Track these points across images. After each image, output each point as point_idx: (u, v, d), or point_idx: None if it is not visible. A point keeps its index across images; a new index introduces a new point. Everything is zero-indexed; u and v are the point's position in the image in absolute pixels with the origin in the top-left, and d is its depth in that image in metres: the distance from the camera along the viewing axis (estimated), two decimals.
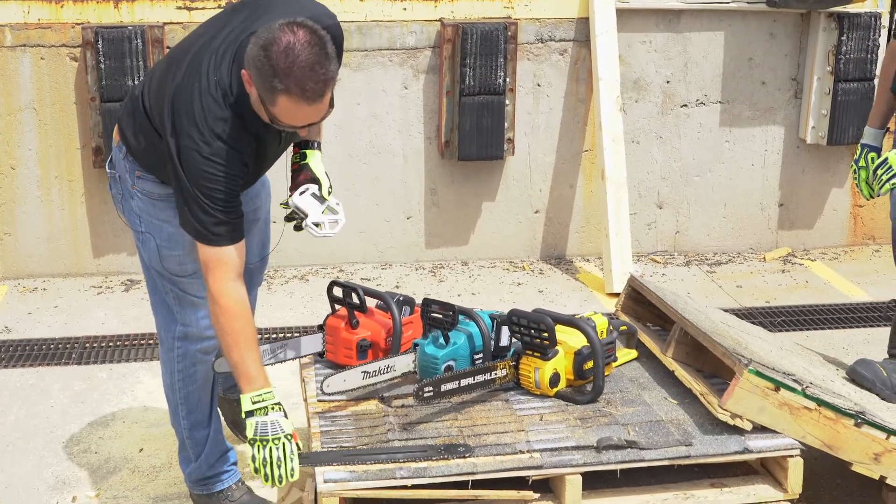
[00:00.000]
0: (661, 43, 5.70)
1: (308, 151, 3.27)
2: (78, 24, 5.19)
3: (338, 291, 3.53)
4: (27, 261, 5.44)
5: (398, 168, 5.65)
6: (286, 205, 3.23)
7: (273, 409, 2.87)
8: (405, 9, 5.46)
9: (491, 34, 5.40)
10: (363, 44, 5.46)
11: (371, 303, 3.52)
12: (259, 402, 2.88)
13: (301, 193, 3.18)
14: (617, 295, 5.26)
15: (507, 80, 5.49)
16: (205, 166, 2.85)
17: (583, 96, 5.70)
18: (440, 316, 3.28)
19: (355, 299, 3.45)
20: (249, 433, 2.86)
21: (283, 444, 2.84)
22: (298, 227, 3.23)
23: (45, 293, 5.31)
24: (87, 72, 5.15)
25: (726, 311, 4.45)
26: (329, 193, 3.23)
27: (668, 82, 5.76)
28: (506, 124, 5.55)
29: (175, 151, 2.88)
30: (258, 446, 2.84)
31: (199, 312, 3.18)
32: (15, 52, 5.18)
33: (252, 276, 3.56)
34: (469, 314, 3.36)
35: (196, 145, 2.85)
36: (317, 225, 3.16)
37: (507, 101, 5.53)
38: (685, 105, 5.81)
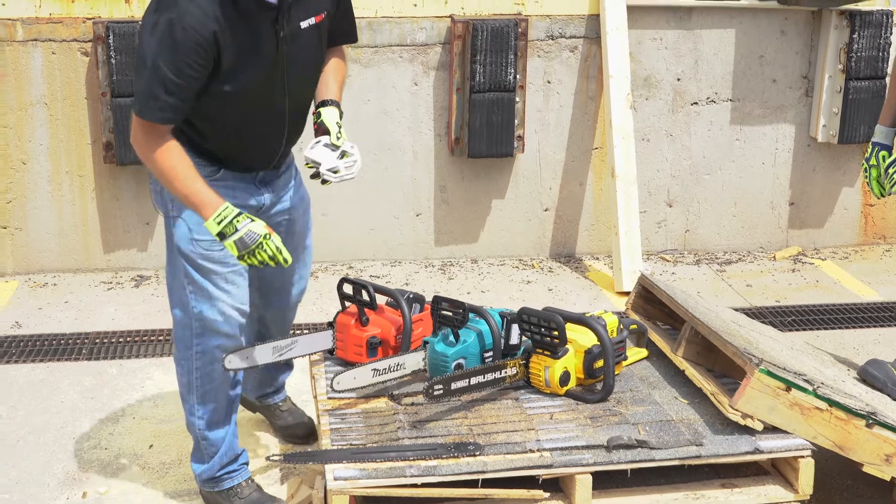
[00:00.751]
0: (672, 40, 5.69)
1: (322, 109, 3.30)
2: (89, 18, 5.19)
3: (348, 288, 3.53)
4: (38, 256, 5.45)
5: (408, 165, 5.65)
6: (309, 164, 3.25)
7: (238, 220, 2.99)
8: (416, 5, 5.45)
9: (501, 31, 5.39)
10: (373, 40, 5.45)
11: (381, 300, 3.52)
12: (222, 219, 2.98)
13: (313, 147, 3.23)
14: (627, 293, 5.26)
15: (518, 76, 5.48)
16: (160, 40, 2.89)
17: (593, 93, 5.69)
18: (450, 313, 3.28)
19: (365, 296, 3.46)
20: (235, 253, 3.00)
21: (265, 243, 2.99)
22: (324, 180, 3.25)
23: (56, 288, 5.32)
24: (98, 67, 5.15)
25: (736, 310, 4.45)
26: (339, 138, 3.25)
27: (678, 80, 5.75)
28: (516, 121, 5.54)
29: (144, 28, 2.96)
30: (249, 259, 3.00)
31: (216, 307, 3.22)
32: (26, 47, 5.19)
33: (280, 297, 3.59)
34: (479, 312, 3.36)
35: (163, 18, 2.89)
36: (334, 171, 3.23)
37: (518, 98, 5.52)
38: (696, 103, 5.80)
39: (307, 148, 3.23)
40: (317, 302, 5.17)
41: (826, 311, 5.20)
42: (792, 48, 5.78)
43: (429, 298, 3.54)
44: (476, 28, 5.35)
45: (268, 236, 2.99)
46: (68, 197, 5.40)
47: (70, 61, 5.23)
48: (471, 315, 3.35)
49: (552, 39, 5.60)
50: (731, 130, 5.85)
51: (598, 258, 5.88)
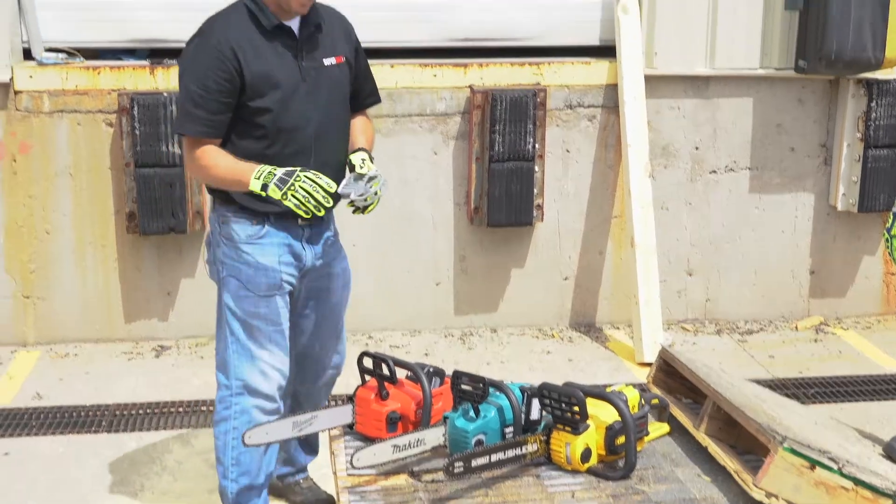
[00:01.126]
0: (690, 109, 5.72)
1: (351, 154, 3.48)
2: (114, 90, 5.27)
3: (368, 362, 3.52)
4: (60, 326, 5.48)
5: (428, 234, 5.67)
6: (350, 203, 3.38)
7: (274, 169, 3.19)
8: (435, 75, 5.52)
9: (520, 101, 5.44)
10: (393, 110, 5.51)
11: (401, 374, 3.51)
12: (260, 174, 3.18)
13: (342, 184, 3.37)
14: (648, 364, 5.23)
15: (537, 146, 5.52)
16: (192, 59, 3.26)
17: (612, 162, 5.71)
18: (470, 388, 3.26)
19: (385, 371, 3.45)
20: (277, 196, 3.16)
21: (301, 175, 3.18)
22: (360, 209, 3.40)
23: (77, 359, 5.33)
24: (122, 137, 5.22)
25: (759, 381, 4.41)
26: (362, 167, 3.40)
27: (697, 148, 5.77)
28: (535, 190, 5.57)
29: (182, 57, 3.34)
30: (290, 194, 3.15)
31: (257, 366, 3.40)
32: (52, 118, 5.27)
33: (306, 370, 3.69)
34: (499, 387, 3.34)
35: (194, 42, 3.30)
36: (364, 198, 3.37)
37: (537, 168, 5.55)
38: (714, 171, 5.81)
39: (338, 187, 3.35)
40: None
41: (850, 382, 5.15)
42: (810, 117, 5.81)
43: (449, 370, 3.53)
44: (495, 98, 5.41)
45: (303, 170, 3.20)
46: (91, 267, 5.44)
47: (95, 132, 5.31)
48: (491, 389, 3.33)
49: (570, 109, 5.64)
50: (750, 199, 5.86)
51: (618, 327, 5.85)
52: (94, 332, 5.51)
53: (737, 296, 5.97)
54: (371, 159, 3.45)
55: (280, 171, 3.19)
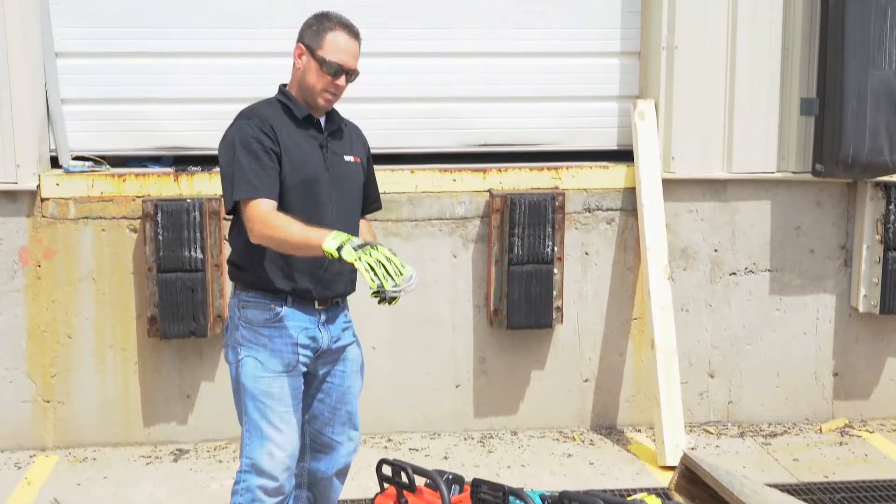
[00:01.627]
0: (708, 212, 5.76)
1: None
2: (139, 196, 5.36)
3: (386, 469, 3.51)
4: (79, 430, 5.48)
5: (447, 336, 5.67)
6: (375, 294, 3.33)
7: (350, 238, 3.25)
8: (454, 180, 5.59)
9: (539, 204, 5.49)
10: (413, 214, 5.57)
11: (420, 480, 3.49)
12: (336, 237, 3.24)
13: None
14: (670, 468, 5.17)
15: (556, 248, 5.55)
16: (240, 131, 3.46)
17: (631, 264, 5.73)
18: (490, 497, 3.24)
19: (404, 478, 3.43)
20: (351, 258, 3.19)
21: (380, 248, 3.22)
22: (387, 300, 3.35)
23: (95, 463, 5.32)
24: (145, 243, 5.29)
25: (783, 485, 4.35)
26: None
27: (715, 251, 5.79)
28: (554, 292, 5.58)
29: (226, 136, 3.53)
30: (364, 257, 3.19)
31: (265, 446, 3.50)
32: (77, 224, 5.35)
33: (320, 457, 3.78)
34: (519, 495, 3.31)
35: (238, 121, 3.52)
36: (398, 289, 3.27)
37: (556, 270, 5.58)
38: (734, 273, 5.82)
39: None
40: (356, 477, 5.11)
41: (877, 487, 5.05)
42: (828, 219, 5.82)
43: (468, 474, 3.52)
44: (514, 202, 5.46)
45: (375, 246, 3.24)
46: (111, 370, 5.46)
47: (119, 238, 5.38)
48: (511, 498, 3.30)
49: (589, 212, 5.69)
50: (770, 300, 5.84)
51: (639, 430, 5.80)
52: (112, 436, 5.50)
53: (760, 398, 5.91)
54: None
55: (357, 240, 3.28)
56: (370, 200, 3.88)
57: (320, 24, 3.54)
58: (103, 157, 5.46)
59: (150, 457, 5.39)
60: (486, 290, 5.63)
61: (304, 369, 3.62)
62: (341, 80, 3.53)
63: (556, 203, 5.52)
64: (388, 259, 3.20)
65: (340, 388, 3.74)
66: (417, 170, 5.56)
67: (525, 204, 5.47)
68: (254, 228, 3.39)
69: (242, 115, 3.56)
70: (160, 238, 5.24)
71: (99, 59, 5.42)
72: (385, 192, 5.44)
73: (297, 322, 3.57)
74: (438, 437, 5.68)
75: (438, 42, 5.62)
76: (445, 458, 5.39)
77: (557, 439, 5.68)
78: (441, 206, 5.59)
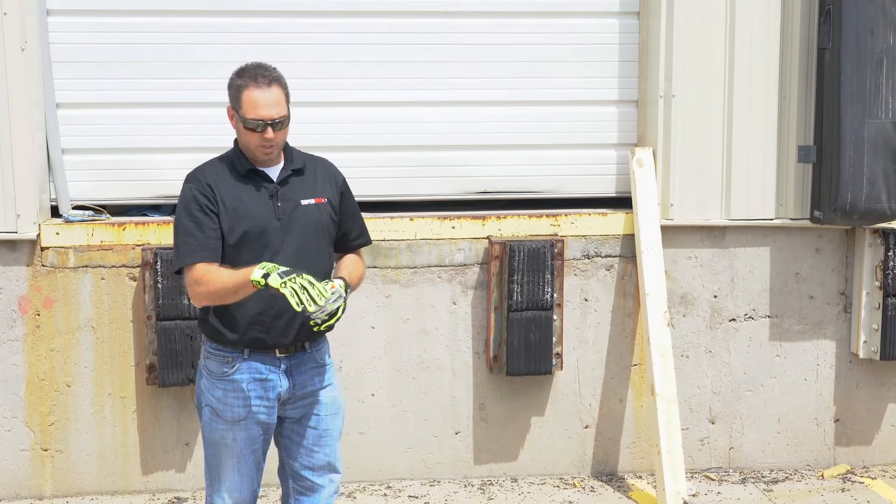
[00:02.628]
0: (707, 258, 5.76)
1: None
2: (138, 245, 5.37)
3: None
4: (77, 478, 5.46)
5: (447, 383, 5.66)
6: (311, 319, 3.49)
7: (277, 266, 3.42)
8: (454, 227, 5.60)
9: (538, 251, 5.49)
10: (412, 261, 5.57)
11: None
12: (263, 266, 3.42)
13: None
14: None
15: (555, 295, 5.55)
16: (182, 196, 3.65)
17: (630, 311, 5.73)
18: None
19: None
20: (276, 284, 3.36)
21: (305, 276, 3.39)
22: (318, 325, 3.51)
23: None
24: (144, 291, 5.30)
25: None
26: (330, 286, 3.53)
27: (715, 297, 5.79)
28: (554, 339, 5.57)
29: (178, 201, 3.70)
30: (289, 285, 3.35)
31: (220, 492, 3.78)
32: (77, 273, 5.36)
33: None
34: None
35: (183, 186, 3.70)
36: (322, 310, 3.43)
37: (555, 316, 5.57)
38: (734, 319, 5.81)
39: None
40: None
41: None
42: (828, 265, 5.82)
43: None
44: (513, 249, 5.47)
45: (300, 274, 3.40)
46: (109, 419, 5.45)
47: (118, 286, 5.39)
48: None
49: (588, 259, 5.69)
50: (770, 346, 5.83)
51: (640, 476, 5.77)
52: (110, 484, 5.48)
53: (761, 444, 5.88)
54: (346, 286, 3.59)
55: (283, 268, 3.43)
56: (353, 236, 3.91)
57: (236, 83, 3.63)
58: (103, 206, 5.49)
59: None
60: (486, 337, 5.63)
61: (265, 419, 3.73)
62: (269, 133, 3.59)
63: (556, 250, 5.53)
64: (312, 283, 3.37)
65: (316, 432, 3.83)
66: (416, 217, 5.57)
67: (524, 251, 5.48)
68: (192, 292, 3.60)
69: (187, 179, 3.71)
70: (159, 286, 5.25)
71: (99, 109, 5.45)
72: (384, 240, 5.49)
73: (251, 374, 3.70)
74: (438, 483, 5.66)
75: (437, 91, 5.65)
76: None
77: (558, 486, 5.65)
78: (440, 253, 5.60)
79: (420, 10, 5.59)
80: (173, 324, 5.27)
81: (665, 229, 5.64)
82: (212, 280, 3.53)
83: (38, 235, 5.30)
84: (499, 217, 5.63)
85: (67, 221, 5.37)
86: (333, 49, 5.53)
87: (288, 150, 3.76)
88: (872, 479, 5.77)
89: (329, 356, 3.90)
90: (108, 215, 5.46)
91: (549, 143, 5.76)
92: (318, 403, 3.81)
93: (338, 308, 3.47)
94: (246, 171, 3.67)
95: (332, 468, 3.87)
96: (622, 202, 5.78)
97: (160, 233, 5.39)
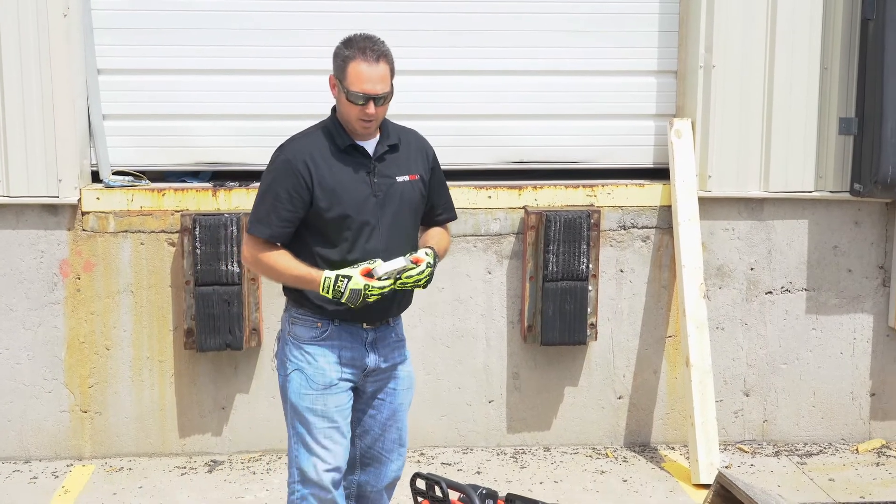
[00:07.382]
0: (745, 230, 5.73)
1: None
2: (177, 211, 5.42)
3: (420, 483, 3.52)
4: (115, 440, 5.54)
5: (481, 352, 5.69)
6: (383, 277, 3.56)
7: (340, 284, 3.47)
8: (490, 196, 5.61)
9: (574, 221, 5.49)
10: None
11: (454, 495, 3.50)
12: (328, 288, 3.48)
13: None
14: (704, 486, 5.15)
15: (590, 266, 5.55)
16: (276, 170, 3.59)
17: (666, 282, 5.72)
18: None
19: (438, 492, 3.44)
20: (372, 300, 3.49)
21: (367, 293, 3.48)
22: (401, 283, 3.59)
23: (131, 473, 5.37)
24: (183, 256, 5.35)
25: None
26: (411, 253, 3.63)
27: (752, 269, 5.76)
28: (588, 309, 5.58)
29: (268, 166, 3.66)
30: (361, 304, 3.49)
31: (310, 460, 3.64)
32: (117, 238, 5.42)
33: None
34: None
35: (279, 156, 3.63)
36: (394, 270, 3.53)
37: (590, 287, 5.57)
38: (770, 292, 5.78)
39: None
40: None
41: None
42: (867, 239, 5.78)
43: (501, 490, 3.53)
44: (549, 219, 5.47)
45: (367, 286, 3.48)
46: (148, 382, 5.52)
47: (157, 251, 5.45)
48: None
49: (624, 230, 5.68)
50: (807, 320, 5.81)
51: (673, 447, 5.77)
52: (148, 446, 5.56)
53: (795, 417, 5.87)
54: (434, 255, 3.65)
55: (346, 291, 3.47)
56: (439, 210, 3.89)
57: (343, 54, 3.57)
58: (143, 172, 5.54)
59: (184, 467, 5.44)
60: (521, 307, 5.64)
61: (351, 385, 3.69)
62: (370, 108, 3.54)
63: (592, 220, 5.52)
64: (369, 287, 3.48)
65: (391, 406, 3.81)
66: (453, 186, 5.53)
67: (560, 221, 5.48)
68: (246, 257, 3.67)
69: (284, 150, 3.64)
70: (198, 252, 5.30)
71: (139, 75, 5.51)
72: None
73: (341, 341, 3.66)
74: (471, 451, 5.69)
75: (474, 60, 5.65)
76: (478, 472, 5.39)
77: (590, 456, 5.67)
78: (476, 222, 5.61)
79: None
80: (211, 289, 5.32)
81: (702, 201, 5.62)
82: (266, 262, 3.59)
83: (79, 200, 5.36)
84: (535, 187, 5.63)
85: (108, 187, 5.43)
86: (367, 18, 5.53)
87: (383, 124, 3.71)
88: None
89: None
90: (147, 181, 5.52)
91: (587, 114, 5.75)
92: (396, 378, 3.81)
93: (429, 274, 3.57)
94: (345, 147, 3.62)
95: (402, 442, 3.86)
96: (660, 173, 5.76)
97: (199, 199, 5.44)
